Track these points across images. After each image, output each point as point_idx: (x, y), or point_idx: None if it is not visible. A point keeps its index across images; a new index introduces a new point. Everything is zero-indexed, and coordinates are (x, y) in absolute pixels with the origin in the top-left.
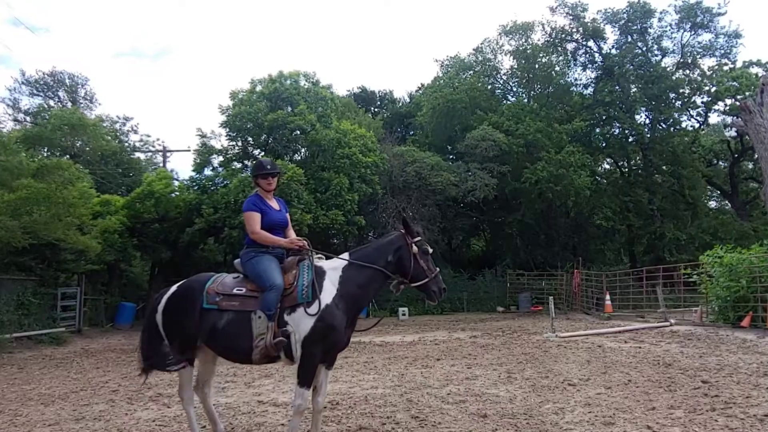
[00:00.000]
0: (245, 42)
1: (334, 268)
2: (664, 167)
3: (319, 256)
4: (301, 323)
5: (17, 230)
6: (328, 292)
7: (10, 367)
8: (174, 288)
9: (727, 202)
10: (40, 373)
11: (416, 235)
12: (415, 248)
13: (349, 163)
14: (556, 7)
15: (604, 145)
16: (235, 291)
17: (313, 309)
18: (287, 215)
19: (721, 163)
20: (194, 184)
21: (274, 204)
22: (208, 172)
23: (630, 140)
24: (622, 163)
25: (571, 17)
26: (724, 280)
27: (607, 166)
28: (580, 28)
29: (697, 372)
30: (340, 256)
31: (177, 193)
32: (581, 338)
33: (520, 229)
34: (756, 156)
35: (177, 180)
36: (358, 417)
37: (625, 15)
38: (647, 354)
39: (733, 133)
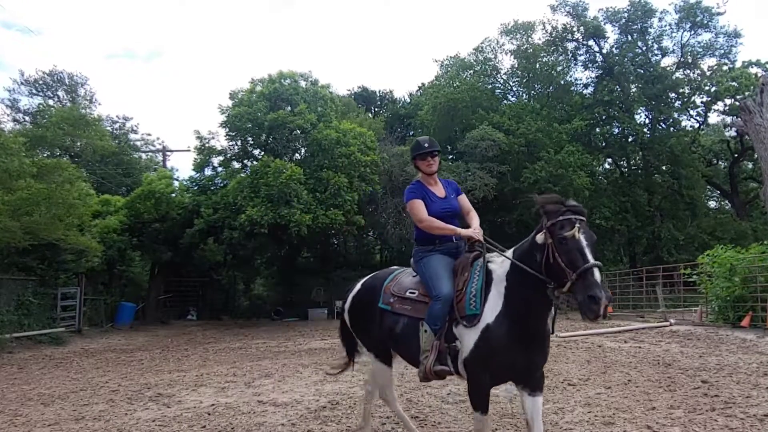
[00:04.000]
0: (245, 42)
1: (500, 275)
2: (663, 167)
3: (489, 252)
4: (465, 339)
5: (18, 231)
6: (493, 305)
7: (10, 367)
8: (358, 286)
9: (726, 201)
10: (40, 373)
11: (552, 215)
12: (540, 237)
13: (348, 162)
14: (557, 6)
15: (603, 144)
16: (407, 294)
17: (477, 325)
18: (460, 199)
19: (720, 163)
20: (194, 184)
21: (439, 190)
22: (208, 172)
23: (630, 140)
24: (621, 162)
25: (572, 16)
26: (723, 280)
27: (607, 166)
28: (581, 27)
29: (697, 372)
30: (506, 254)
31: (177, 193)
32: (581, 338)
33: (519, 229)
34: (756, 156)
35: (177, 180)
36: (358, 417)
37: (625, 14)
38: (647, 354)
39: (733, 133)
